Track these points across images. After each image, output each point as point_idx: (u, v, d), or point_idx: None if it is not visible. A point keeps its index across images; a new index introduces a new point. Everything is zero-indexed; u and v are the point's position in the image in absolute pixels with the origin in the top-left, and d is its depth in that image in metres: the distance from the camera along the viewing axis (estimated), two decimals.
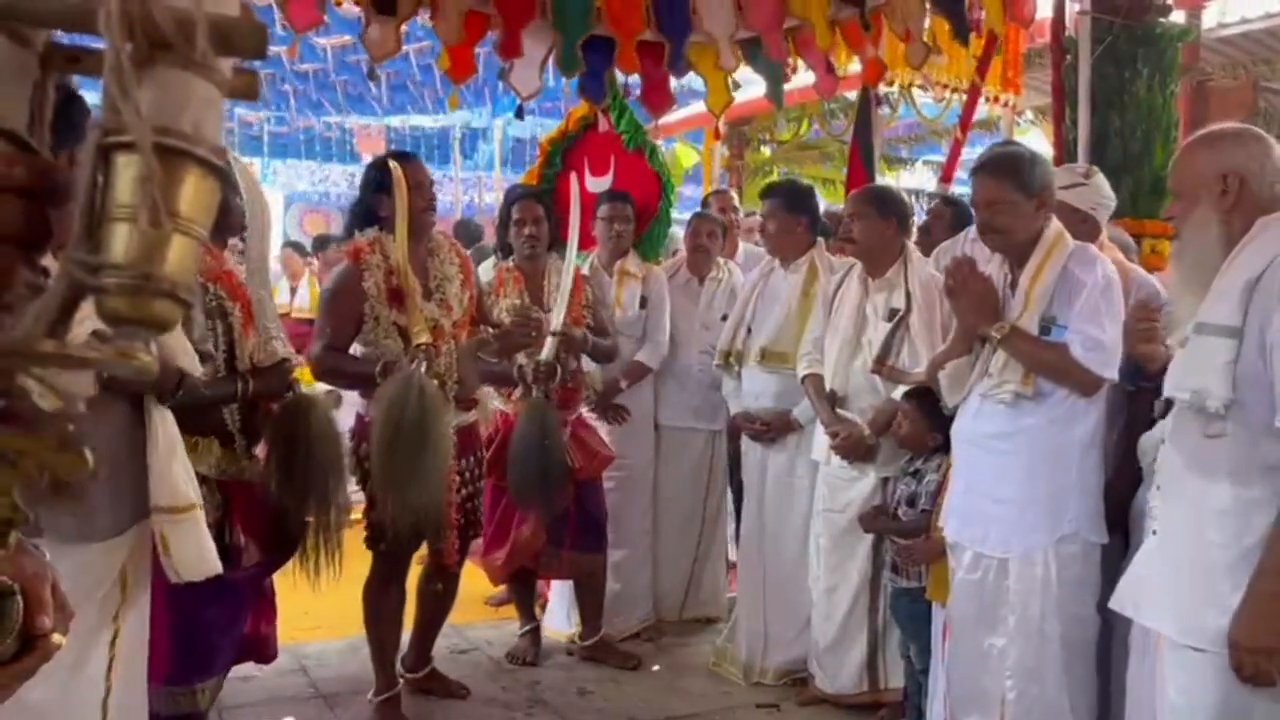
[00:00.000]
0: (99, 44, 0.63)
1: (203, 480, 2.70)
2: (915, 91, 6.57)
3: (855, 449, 3.63)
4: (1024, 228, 2.84)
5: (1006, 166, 2.88)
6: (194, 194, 0.64)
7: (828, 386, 3.75)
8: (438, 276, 3.52)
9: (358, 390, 3.65)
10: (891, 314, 3.63)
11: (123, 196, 0.62)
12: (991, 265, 3.00)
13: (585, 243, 4.79)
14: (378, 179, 3.44)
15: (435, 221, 3.60)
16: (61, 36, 0.68)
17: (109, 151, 0.63)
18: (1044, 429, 2.80)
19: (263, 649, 3.14)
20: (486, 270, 4.41)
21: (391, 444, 3.09)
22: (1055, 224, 2.88)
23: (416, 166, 3.50)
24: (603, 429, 4.42)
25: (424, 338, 3.26)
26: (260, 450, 2.97)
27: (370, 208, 3.49)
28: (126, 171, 0.62)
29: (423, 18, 4.55)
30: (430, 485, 3.12)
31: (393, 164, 3.33)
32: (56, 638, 0.87)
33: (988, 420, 2.89)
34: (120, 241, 0.62)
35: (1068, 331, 2.75)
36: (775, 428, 4.03)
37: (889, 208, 3.74)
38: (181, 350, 2.25)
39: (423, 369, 3.20)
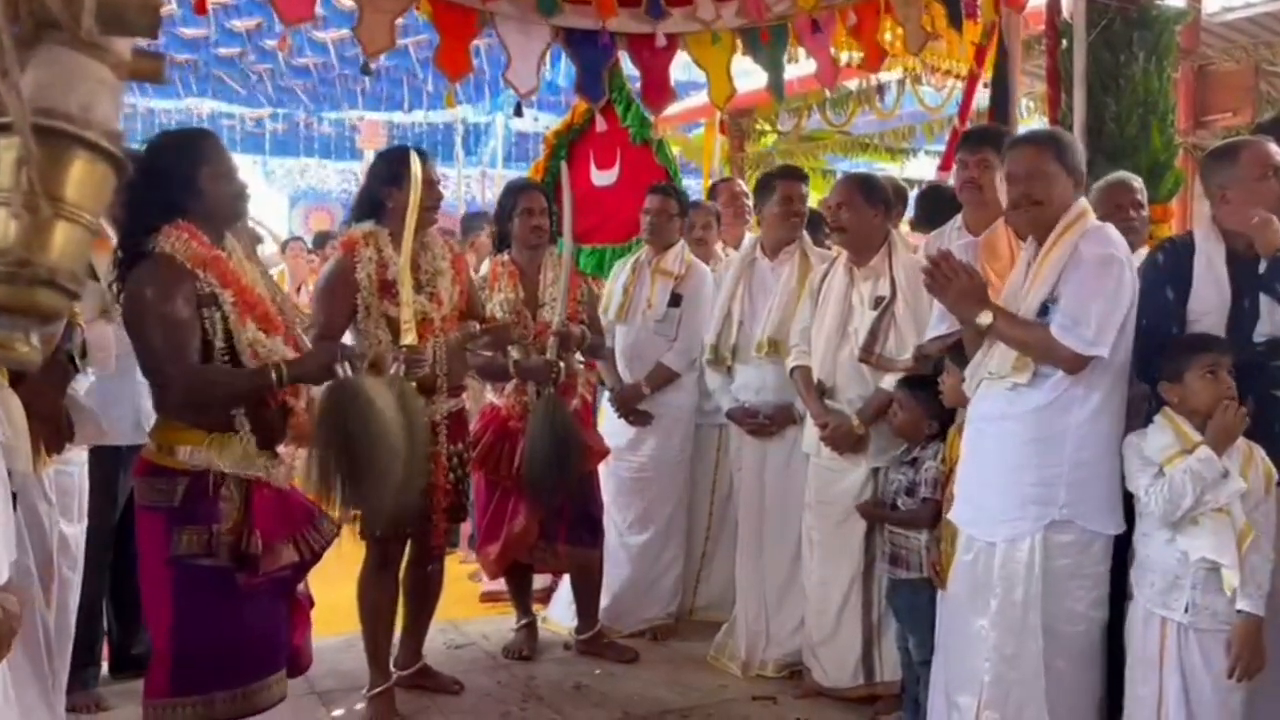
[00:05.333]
0: None
1: (224, 478, 2.67)
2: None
3: (844, 441, 3.61)
4: (1059, 203, 2.82)
5: (1049, 138, 2.96)
6: (81, 179, 0.59)
7: (815, 377, 3.73)
8: (429, 271, 3.55)
9: None
10: (877, 302, 3.61)
11: (1, 180, 0.59)
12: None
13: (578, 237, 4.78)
14: (389, 172, 3.46)
15: (437, 220, 3.62)
16: None
17: None
18: (1036, 414, 2.76)
19: (294, 660, 2.96)
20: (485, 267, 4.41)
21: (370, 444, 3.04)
22: (1080, 204, 2.86)
23: (428, 165, 3.51)
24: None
25: (409, 338, 3.22)
26: (283, 448, 2.88)
27: (378, 199, 3.50)
28: (6, 155, 0.58)
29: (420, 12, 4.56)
30: (407, 480, 3.02)
31: (413, 157, 3.30)
32: None
33: (987, 402, 2.88)
34: None
35: (1056, 307, 2.72)
36: (777, 421, 4.01)
37: (875, 195, 3.73)
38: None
39: (401, 371, 3.18)
